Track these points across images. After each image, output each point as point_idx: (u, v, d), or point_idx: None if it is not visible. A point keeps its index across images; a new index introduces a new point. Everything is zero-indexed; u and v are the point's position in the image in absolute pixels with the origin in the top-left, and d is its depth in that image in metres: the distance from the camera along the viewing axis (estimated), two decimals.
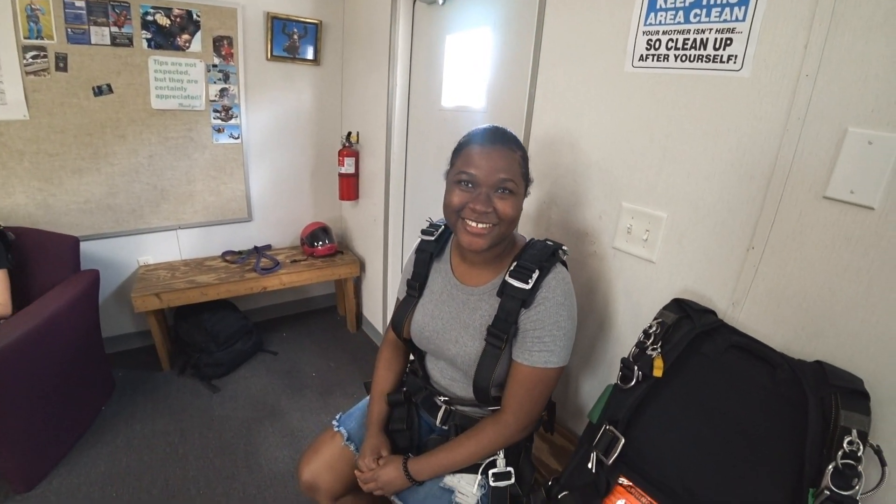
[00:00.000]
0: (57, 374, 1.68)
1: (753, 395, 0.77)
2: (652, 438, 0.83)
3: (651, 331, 0.89)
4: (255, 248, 2.60)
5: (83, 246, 1.99)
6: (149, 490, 1.62)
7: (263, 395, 2.16)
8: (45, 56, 1.88)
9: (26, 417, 1.55)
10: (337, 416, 1.18)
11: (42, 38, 1.86)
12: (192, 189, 2.37)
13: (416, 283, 1.05)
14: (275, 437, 1.91)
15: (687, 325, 0.88)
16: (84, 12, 1.89)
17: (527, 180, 0.93)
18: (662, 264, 1.03)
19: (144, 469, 1.71)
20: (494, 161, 0.86)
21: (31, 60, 1.86)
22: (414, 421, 1.11)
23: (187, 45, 2.14)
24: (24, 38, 1.83)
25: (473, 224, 0.87)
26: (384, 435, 1.08)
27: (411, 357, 1.16)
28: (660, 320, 0.90)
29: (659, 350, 0.86)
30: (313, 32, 2.44)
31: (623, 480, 0.81)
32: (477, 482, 0.96)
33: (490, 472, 0.96)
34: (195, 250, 2.49)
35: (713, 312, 0.91)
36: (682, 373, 0.84)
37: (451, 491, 0.97)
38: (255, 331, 2.48)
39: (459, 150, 0.92)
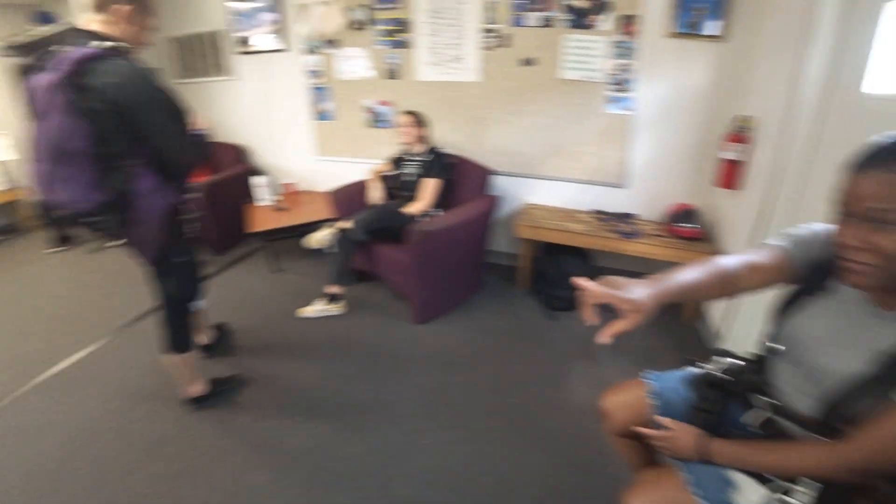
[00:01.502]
0: (456, 259, 2.43)
1: None
2: None
3: None
4: (624, 213, 2.71)
5: (492, 178, 2.68)
6: (476, 367, 2.11)
7: (588, 339, 2.27)
8: (495, 36, 2.62)
9: (433, 279, 2.35)
10: (649, 372, 1.19)
11: (494, 23, 2.60)
12: (580, 150, 2.70)
13: (816, 280, 0.87)
14: (583, 375, 2.05)
15: None
16: (527, 1, 2.49)
17: None
18: None
19: (482, 351, 2.23)
20: (864, 187, 0.67)
21: (486, 39, 2.64)
22: (723, 409, 1.02)
23: (595, 24, 2.42)
24: (484, 23, 2.61)
25: (851, 261, 0.71)
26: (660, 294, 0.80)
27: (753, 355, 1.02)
28: None
29: None
30: (719, 6, 2.21)
31: None
32: (764, 496, 0.82)
33: (783, 495, 0.80)
34: (569, 202, 2.85)
35: None
36: None
37: (729, 484, 0.86)
38: None
39: None
